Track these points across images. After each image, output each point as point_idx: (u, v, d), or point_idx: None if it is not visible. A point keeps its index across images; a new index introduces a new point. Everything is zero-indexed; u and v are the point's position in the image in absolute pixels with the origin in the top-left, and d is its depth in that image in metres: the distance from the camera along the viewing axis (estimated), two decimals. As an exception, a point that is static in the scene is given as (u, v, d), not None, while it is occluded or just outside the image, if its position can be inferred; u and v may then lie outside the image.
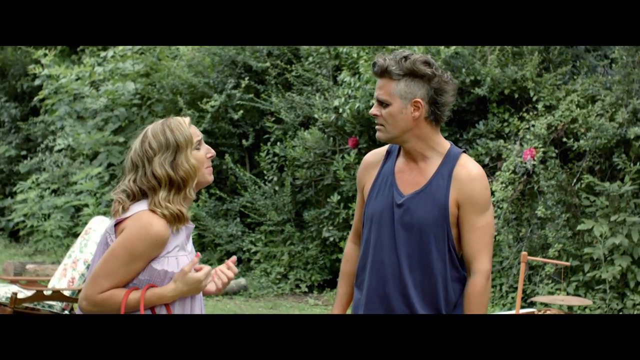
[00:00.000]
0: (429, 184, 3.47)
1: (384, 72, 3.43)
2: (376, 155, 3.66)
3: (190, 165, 3.27)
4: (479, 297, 3.42)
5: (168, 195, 3.24)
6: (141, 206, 3.25)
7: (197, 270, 3.26)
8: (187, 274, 3.21)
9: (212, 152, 3.39)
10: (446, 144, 3.53)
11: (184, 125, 3.30)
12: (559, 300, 5.11)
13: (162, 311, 3.26)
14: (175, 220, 3.24)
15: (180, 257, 3.29)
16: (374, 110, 3.47)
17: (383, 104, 3.45)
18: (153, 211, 3.21)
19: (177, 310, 3.28)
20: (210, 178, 3.38)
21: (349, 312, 3.70)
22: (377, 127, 3.50)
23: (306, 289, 9.60)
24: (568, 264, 5.15)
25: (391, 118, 3.44)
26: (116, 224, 3.25)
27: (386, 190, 3.52)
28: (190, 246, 3.40)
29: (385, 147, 3.65)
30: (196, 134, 3.32)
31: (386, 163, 3.60)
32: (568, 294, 7.62)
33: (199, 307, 3.40)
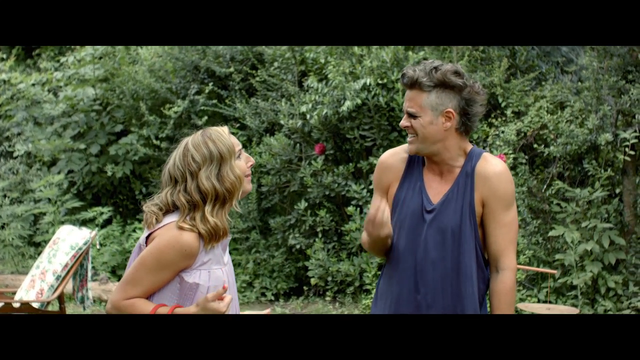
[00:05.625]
0: (455, 185, 3.44)
1: (414, 84, 3.38)
2: (396, 155, 3.60)
3: (235, 176, 3.17)
4: (509, 294, 3.40)
5: (213, 210, 3.13)
6: (174, 218, 3.15)
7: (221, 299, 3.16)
8: (208, 302, 3.10)
9: (252, 161, 3.30)
10: (469, 146, 3.51)
11: (224, 135, 3.20)
12: (544, 309, 5.05)
13: None
14: (212, 237, 3.13)
15: (213, 270, 3.18)
16: (403, 123, 3.43)
17: (413, 116, 3.40)
18: (181, 227, 3.10)
19: None
20: (249, 187, 3.28)
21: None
22: (409, 139, 3.46)
23: (272, 297, 9.46)
24: (555, 271, 5.07)
25: (422, 129, 3.40)
26: (148, 235, 3.15)
27: (415, 196, 3.48)
28: (227, 258, 3.29)
29: (403, 148, 3.59)
30: (236, 143, 3.23)
31: (412, 166, 3.54)
32: (539, 300, 7.61)
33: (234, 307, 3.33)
